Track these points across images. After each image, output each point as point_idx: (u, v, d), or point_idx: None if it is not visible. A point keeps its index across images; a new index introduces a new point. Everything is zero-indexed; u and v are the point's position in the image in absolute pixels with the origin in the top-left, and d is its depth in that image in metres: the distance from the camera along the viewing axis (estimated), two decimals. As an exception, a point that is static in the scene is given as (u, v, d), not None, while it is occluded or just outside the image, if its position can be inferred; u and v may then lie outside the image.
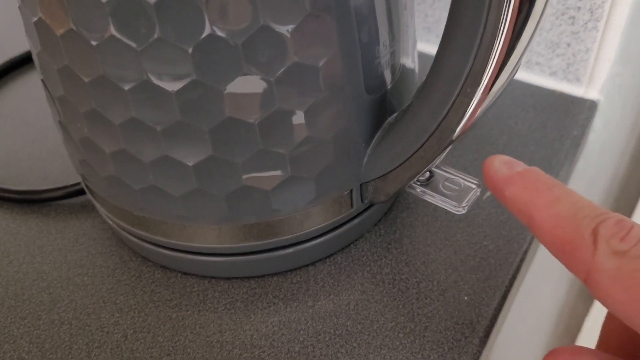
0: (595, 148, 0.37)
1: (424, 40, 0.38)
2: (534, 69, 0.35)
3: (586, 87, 0.34)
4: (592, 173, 0.38)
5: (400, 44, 0.23)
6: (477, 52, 0.19)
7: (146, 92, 0.19)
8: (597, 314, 0.44)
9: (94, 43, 0.19)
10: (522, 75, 0.35)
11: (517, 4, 0.17)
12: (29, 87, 0.38)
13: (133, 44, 0.18)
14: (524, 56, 0.20)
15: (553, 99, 0.34)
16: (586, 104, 0.34)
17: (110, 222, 0.27)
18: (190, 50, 0.18)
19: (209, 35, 0.18)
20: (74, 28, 0.19)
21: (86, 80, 0.20)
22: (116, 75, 0.19)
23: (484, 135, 0.32)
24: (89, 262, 0.27)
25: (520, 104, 0.34)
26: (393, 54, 0.23)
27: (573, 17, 0.32)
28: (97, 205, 0.27)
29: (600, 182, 0.39)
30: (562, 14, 0.32)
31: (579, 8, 0.31)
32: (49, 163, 0.32)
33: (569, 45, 0.33)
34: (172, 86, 0.19)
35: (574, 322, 0.47)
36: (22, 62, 0.40)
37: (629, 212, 0.37)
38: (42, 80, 0.23)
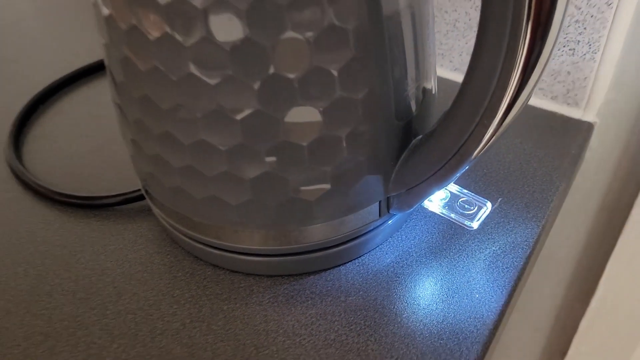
0: (591, 165, 0.40)
1: (439, 65, 0.42)
2: (537, 94, 0.39)
3: (584, 110, 0.38)
4: (589, 187, 0.42)
5: (425, 76, 0.27)
6: (494, 91, 0.22)
7: (215, 119, 0.23)
8: (592, 314, 0.47)
9: (174, 78, 0.23)
10: (527, 98, 0.39)
11: (528, 55, 0.21)
12: (90, 98, 0.42)
13: (208, 80, 0.22)
14: (533, 93, 0.24)
15: (554, 120, 0.38)
16: (584, 126, 0.37)
17: (166, 225, 0.31)
18: (256, 87, 0.22)
19: (272, 74, 0.22)
20: (159, 66, 0.23)
21: (164, 108, 0.24)
22: (191, 104, 0.23)
23: (493, 153, 0.36)
24: (148, 260, 0.31)
25: (526, 125, 0.38)
26: (418, 87, 0.27)
27: (573, 49, 0.35)
28: (156, 211, 0.31)
29: (596, 195, 0.42)
30: (564, 46, 0.36)
31: (579, 42, 0.35)
32: (107, 171, 0.36)
33: (569, 73, 0.37)
34: (238, 115, 0.23)
35: (570, 321, 0.51)
36: (88, 72, 0.43)
37: (621, 224, 0.41)
38: (118, 105, 0.27)
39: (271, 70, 0.22)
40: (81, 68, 0.43)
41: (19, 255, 0.32)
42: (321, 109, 0.23)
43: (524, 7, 0.20)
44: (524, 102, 0.23)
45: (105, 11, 0.23)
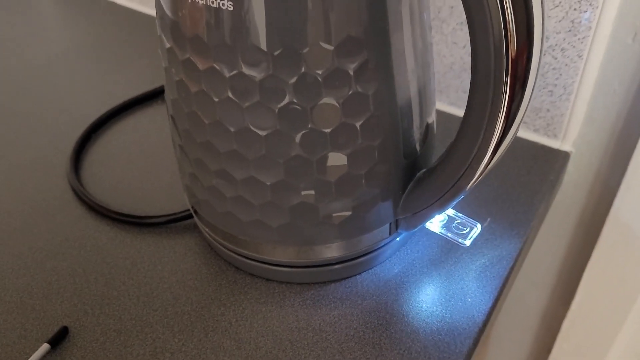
0: (569, 187, 0.47)
1: (438, 100, 0.48)
2: (522, 127, 0.45)
3: (561, 141, 0.44)
4: (568, 205, 0.48)
5: (427, 123, 0.34)
6: (482, 139, 0.29)
7: (263, 161, 0.30)
8: (573, 316, 0.54)
9: (232, 129, 0.29)
10: (513, 130, 0.46)
11: (508, 109, 0.28)
12: (134, 127, 0.49)
13: (259, 132, 0.29)
14: (515, 136, 0.30)
15: (535, 150, 0.44)
16: (561, 155, 0.44)
17: (212, 240, 0.37)
18: (297, 139, 0.29)
19: (310, 129, 0.28)
20: (221, 120, 0.29)
21: (221, 151, 0.30)
22: (244, 150, 0.30)
23: (482, 179, 0.42)
24: (196, 269, 0.38)
25: (512, 153, 0.44)
26: (422, 131, 0.33)
27: (551, 91, 0.42)
28: (204, 229, 0.37)
29: (574, 212, 0.49)
30: (544, 88, 0.42)
31: (556, 85, 0.42)
32: (156, 192, 0.43)
33: (548, 110, 0.43)
34: (282, 159, 0.29)
35: (554, 322, 0.57)
36: (133, 104, 0.50)
37: (596, 237, 0.48)
38: (180, 146, 0.33)
39: (309, 125, 0.28)
40: (127, 100, 0.50)
41: (89, 266, 0.38)
42: (347, 154, 0.30)
43: (503, 68, 0.26)
44: (507, 145, 0.30)
45: (167, 44, 0.30)
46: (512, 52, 0.26)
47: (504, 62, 0.26)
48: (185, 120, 0.31)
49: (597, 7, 0.37)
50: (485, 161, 0.30)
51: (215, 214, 0.34)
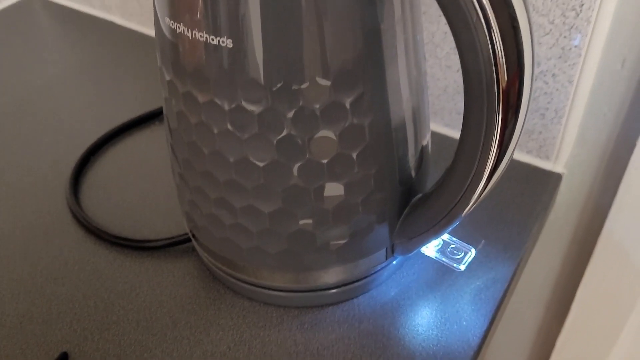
0: (562, 207, 0.48)
1: (432, 121, 0.49)
2: (516, 149, 0.46)
3: (554, 163, 0.45)
4: (561, 224, 0.49)
5: (421, 150, 0.34)
6: (475, 172, 0.29)
7: (262, 190, 0.30)
8: (567, 332, 0.54)
9: (231, 160, 0.30)
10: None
11: (501, 136, 0.28)
12: (133, 149, 0.49)
13: (258, 163, 0.29)
14: (508, 164, 0.31)
15: (528, 171, 0.45)
16: (554, 176, 0.45)
17: (211, 265, 0.38)
18: (295, 169, 0.29)
19: (308, 159, 0.29)
20: (221, 151, 0.30)
21: (221, 180, 0.31)
22: (243, 180, 0.30)
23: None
24: (195, 294, 0.38)
25: (505, 175, 0.45)
26: (416, 159, 0.34)
27: (543, 115, 0.43)
28: (203, 253, 0.38)
29: (567, 231, 0.50)
30: (536, 111, 0.43)
31: (547, 109, 0.42)
32: (154, 215, 0.43)
33: (540, 133, 0.44)
34: (280, 188, 0.30)
35: (549, 338, 0.58)
36: (130, 126, 0.50)
37: (589, 255, 0.48)
38: (180, 175, 0.34)
39: (307, 156, 0.29)
40: (124, 123, 0.50)
41: (89, 290, 0.38)
42: (343, 183, 0.30)
43: (494, 99, 0.27)
44: (502, 172, 0.30)
45: (167, 76, 0.30)
46: (503, 83, 0.26)
47: (495, 94, 0.26)
48: (185, 149, 0.32)
49: (586, 35, 0.38)
50: (480, 188, 0.31)
51: (215, 240, 0.35)
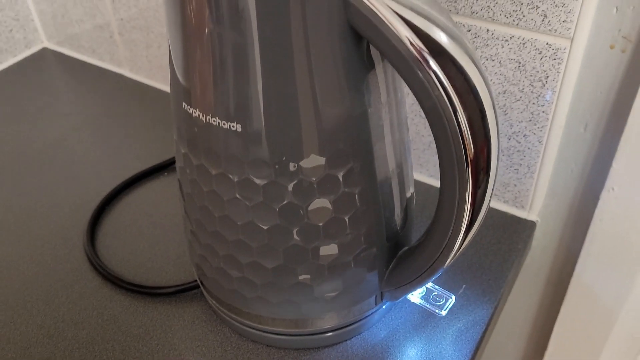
0: (537, 251, 0.52)
1: (418, 172, 0.53)
2: (493, 198, 0.50)
3: (528, 212, 0.50)
4: (537, 267, 0.54)
5: (406, 210, 0.39)
6: (452, 231, 0.34)
7: (265, 249, 0.34)
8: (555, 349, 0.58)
9: (239, 223, 0.34)
10: (486, 200, 0.51)
11: (471, 210, 0.33)
12: (144, 199, 0.53)
13: (262, 226, 0.34)
14: (480, 225, 0.35)
15: (506, 219, 0.50)
16: (528, 224, 0.49)
17: (217, 310, 0.42)
18: (294, 231, 0.34)
19: (306, 223, 0.33)
20: (229, 215, 0.34)
21: (229, 239, 0.35)
22: (249, 239, 0.34)
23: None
24: (204, 337, 0.42)
25: (485, 223, 0.49)
26: (402, 217, 0.38)
27: (517, 170, 0.47)
28: (210, 300, 0.42)
29: (543, 273, 0.54)
30: (510, 167, 0.48)
31: (520, 164, 0.47)
32: (165, 263, 0.47)
33: (515, 185, 0.49)
34: (281, 247, 0.34)
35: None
36: (140, 178, 0.55)
37: (563, 294, 0.53)
38: (193, 232, 0.38)
39: (305, 220, 0.33)
40: (137, 174, 0.55)
41: (107, 334, 0.42)
42: (337, 243, 0.35)
43: (465, 174, 0.31)
44: (477, 229, 0.34)
45: (182, 150, 0.35)
46: (470, 154, 0.30)
47: (464, 163, 0.30)
48: (197, 212, 0.36)
49: (552, 103, 0.42)
50: (458, 244, 0.35)
51: (222, 289, 0.39)
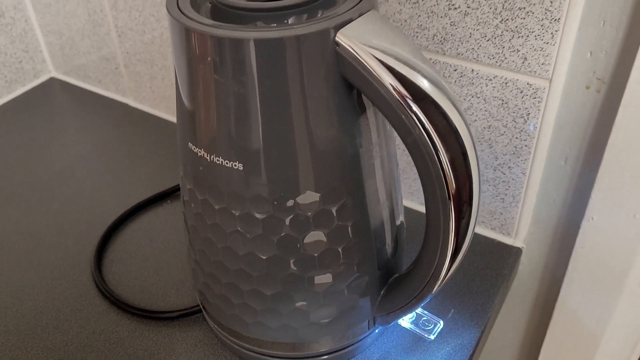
0: (524, 275, 0.55)
1: (409, 200, 0.56)
2: (480, 225, 0.53)
3: (514, 239, 0.52)
4: (524, 291, 0.56)
5: (396, 241, 0.41)
6: (438, 260, 0.36)
7: (265, 277, 0.37)
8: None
9: (240, 254, 0.37)
10: (474, 227, 0.54)
11: (455, 240, 0.35)
12: (149, 226, 0.56)
13: (262, 256, 0.36)
14: (465, 254, 0.37)
15: (493, 245, 0.52)
16: (514, 250, 0.52)
17: (219, 334, 0.44)
18: (291, 261, 0.36)
19: (302, 253, 0.36)
20: (230, 246, 0.37)
21: (231, 269, 0.38)
22: (249, 268, 0.37)
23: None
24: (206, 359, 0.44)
25: (471, 250, 0.52)
26: (393, 247, 0.41)
27: (503, 199, 0.50)
28: (212, 324, 0.44)
29: (530, 297, 0.57)
30: (496, 196, 0.50)
31: (506, 194, 0.50)
32: (169, 288, 0.50)
33: (501, 213, 0.51)
34: (280, 275, 0.37)
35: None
36: (145, 205, 0.57)
37: (549, 318, 0.55)
38: (196, 261, 0.40)
39: (301, 251, 0.36)
40: (141, 201, 0.57)
41: (113, 357, 0.44)
42: (331, 272, 0.37)
43: (449, 210, 0.34)
44: (462, 257, 0.37)
45: (188, 185, 0.37)
46: (452, 190, 0.33)
47: (448, 202, 0.33)
48: (201, 242, 0.39)
49: (534, 137, 0.45)
50: (444, 272, 0.37)
51: (223, 315, 0.41)
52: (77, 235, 0.55)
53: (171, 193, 0.59)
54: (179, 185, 0.59)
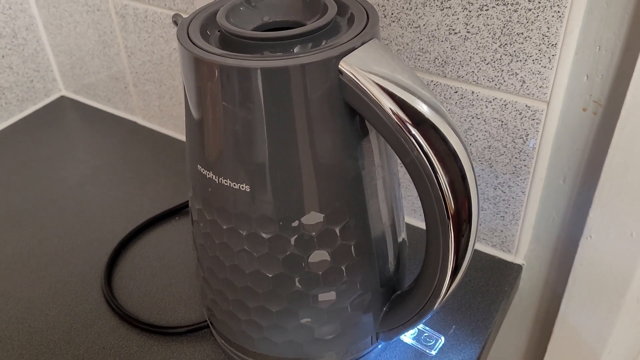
0: (525, 291, 0.56)
1: (412, 217, 0.57)
2: (481, 242, 0.54)
3: (514, 255, 0.53)
4: (523, 308, 0.57)
5: (398, 259, 0.42)
6: (438, 278, 0.37)
7: (271, 294, 0.38)
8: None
9: (246, 272, 0.38)
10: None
11: (455, 258, 0.36)
12: (157, 243, 0.57)
13: (268, 274, 0.37)
14: (465, 273, 0.38)
15: (494, 262, 0.53)
16: (514, 267, 0.53)
17: (226, 349, 0.45)
18: (296, 279, 0.37)
19: (307, 271, 0.37)
20: (238, 264, 0.38)
21: (238, 286, 0.39)
22: (256, 285, 0.38)
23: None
24: (213, 374, 0.45)
25: (473, 266, 0.53)
26: (395, 265, 0.42)
27: (503, 217, 0.51)
28: (219, 339, 0.45)
29: (530, 312, 0.57)
30: (497, 214, 0.52)
31: (506, 212, 0.51)
32: (177, 303, 0.51)
33: (502, 231, 0.52)
34: (286, 292, 0.38)
35: None
36: (153, 222, 0.59)
37: (549, 334, 0.56)
38: (205, 279, 0.42)
39: (306, 269, 0.37)
40: (150, 218, 0.59)
41: (123, 371, 0.46)
42: (335, 289, 0.38)
43: (448, 229, 0.35)
44: (462, 276, 0.38)
45: (197, 206, 0.39)
46: (451, 210, 0.34)
47: (447, 221, 0.34)
48: (209, 261, 0.40)
49: (533, 158, 0.47)
50: (445, 289, 0.38)
51: (231, 330, 0.42)
52: (87, 251, 0.56)
53: (179, 210, 0.60)
54: (187, 202, 0.60)
